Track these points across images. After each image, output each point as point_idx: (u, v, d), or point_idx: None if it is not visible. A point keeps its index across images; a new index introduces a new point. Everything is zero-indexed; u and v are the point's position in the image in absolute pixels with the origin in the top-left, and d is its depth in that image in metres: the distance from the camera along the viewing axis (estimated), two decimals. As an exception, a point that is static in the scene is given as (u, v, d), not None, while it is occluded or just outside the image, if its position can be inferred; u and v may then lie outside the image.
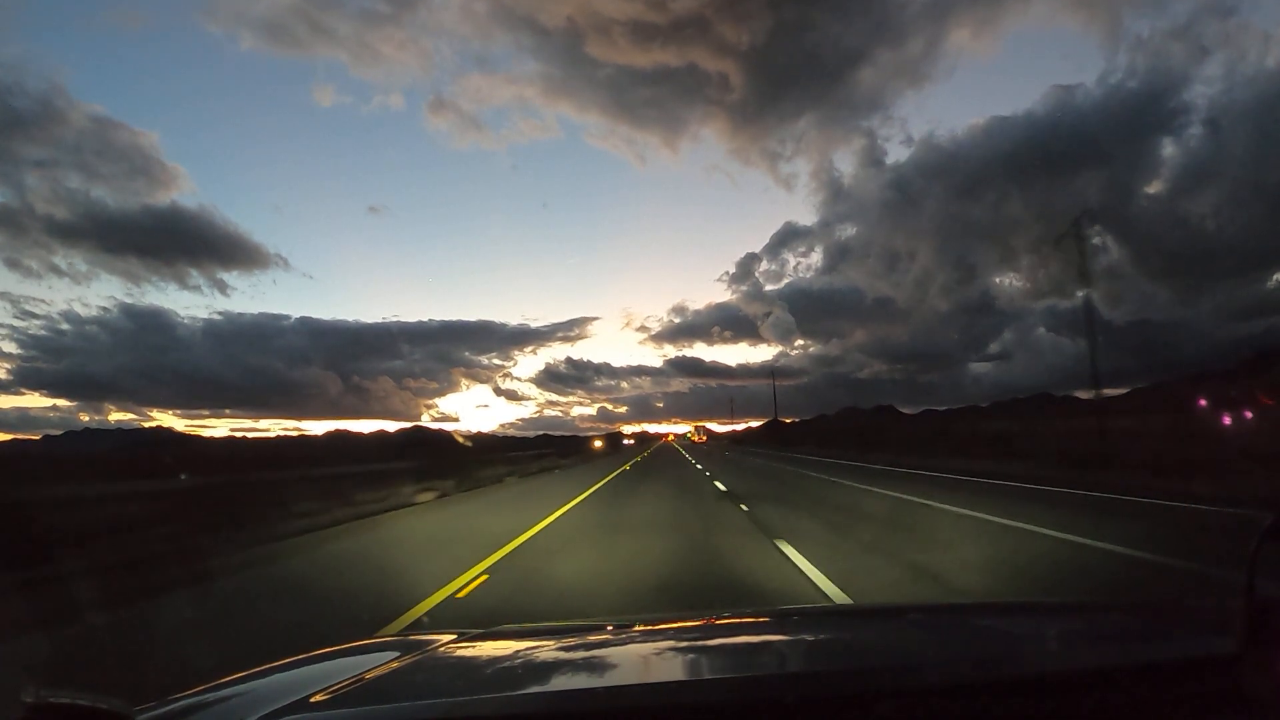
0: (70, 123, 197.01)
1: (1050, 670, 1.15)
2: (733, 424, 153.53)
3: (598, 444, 63.62)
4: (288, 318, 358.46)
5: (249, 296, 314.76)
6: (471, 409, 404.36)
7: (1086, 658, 1.23)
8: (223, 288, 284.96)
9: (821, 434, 64.44)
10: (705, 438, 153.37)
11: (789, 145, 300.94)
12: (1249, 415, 19.47)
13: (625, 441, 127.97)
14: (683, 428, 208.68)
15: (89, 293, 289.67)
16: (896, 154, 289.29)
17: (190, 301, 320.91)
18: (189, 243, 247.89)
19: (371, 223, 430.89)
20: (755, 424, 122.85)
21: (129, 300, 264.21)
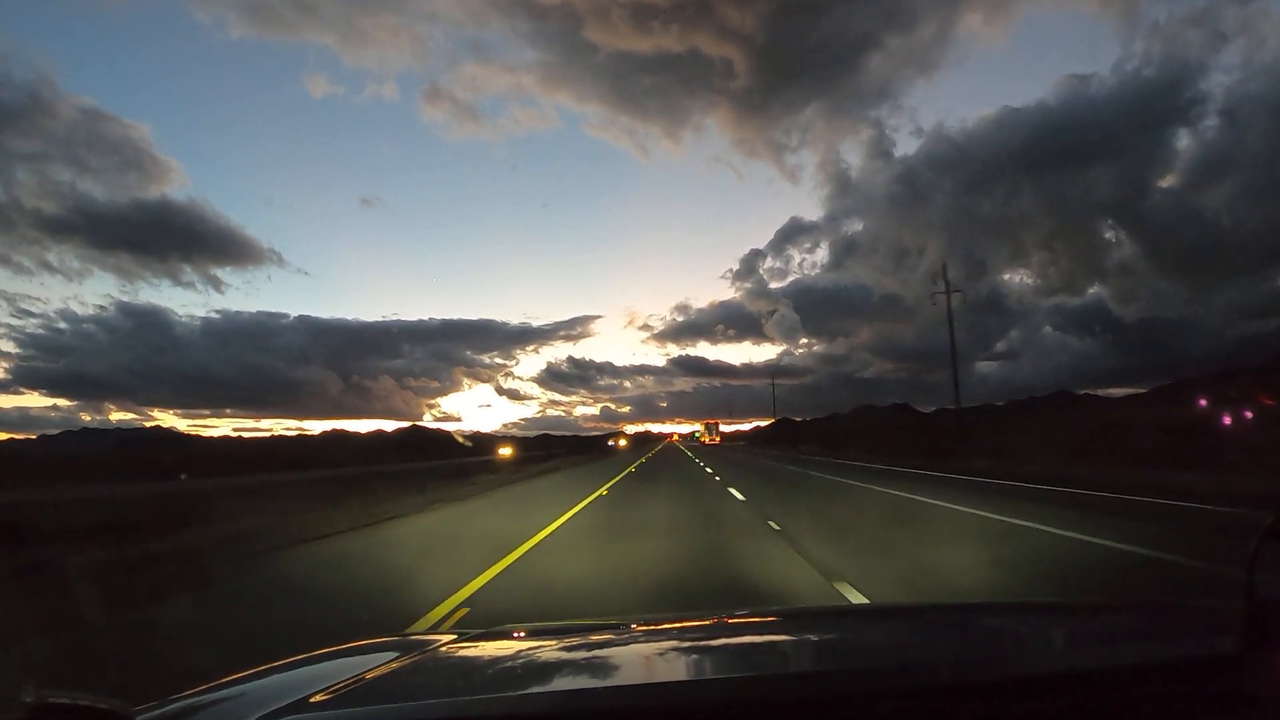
0: (59, 115, 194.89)
1: (1052, 670, 1.16)
2: (738, 424, 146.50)
3: (505, 451, 37.40)
4: (286, 316, 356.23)
5: (244, 294, 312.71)
6: (474, 408, 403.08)
7: (1087, 658, 1.23)
8: (217, 284, 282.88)
9: (844, 434, 55.05)
10: (719, 439, 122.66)
11: (795, 136, 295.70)
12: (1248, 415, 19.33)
13: (612, 443, 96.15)
14: (686, 427, 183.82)
15: (84, 290, 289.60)
16: (905, 146, 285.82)
17: (186, 299, 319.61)
18: (181, 238, 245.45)
19: (368, 219, 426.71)
20: (762, 423, 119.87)
21: (125, 298, 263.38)
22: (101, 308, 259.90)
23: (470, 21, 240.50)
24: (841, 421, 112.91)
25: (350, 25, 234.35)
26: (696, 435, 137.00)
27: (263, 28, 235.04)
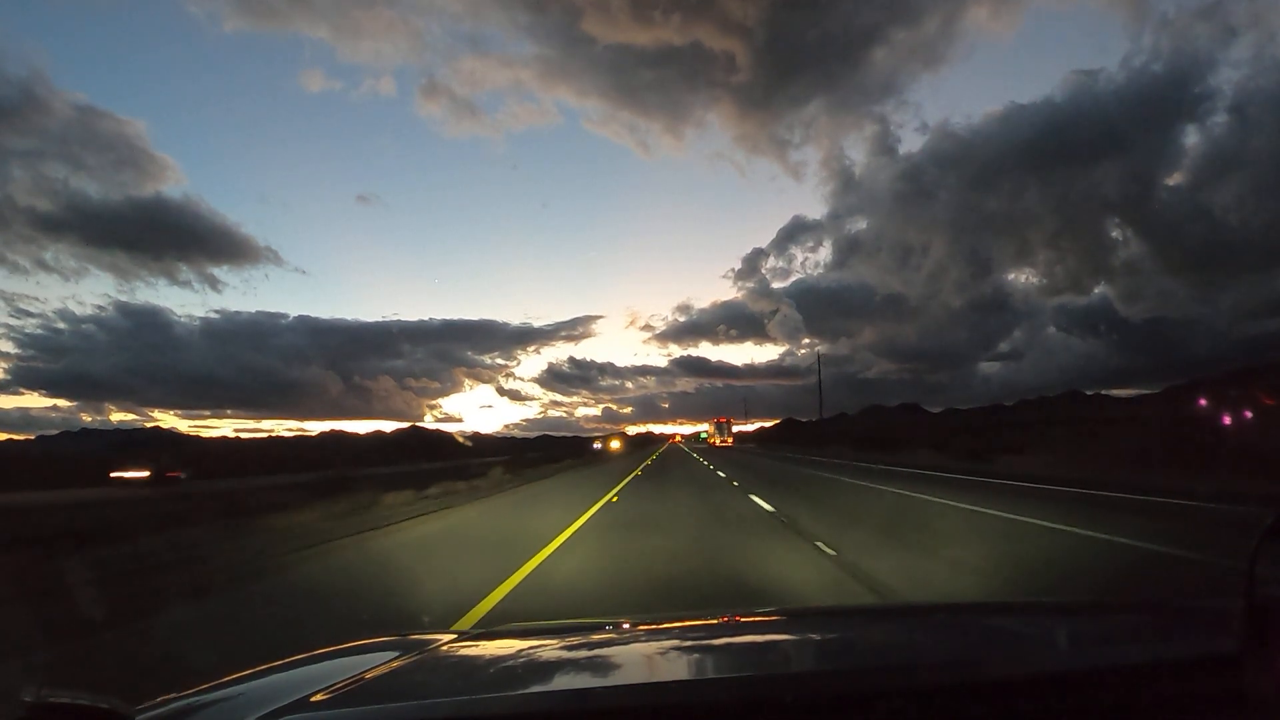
0: (53, 112, 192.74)
1: (1052, 670, 1.16)
2: (742, 424, 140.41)
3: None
4: (285, 316, 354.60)
5: (242, 293, 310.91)
6: (475, 409, 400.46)
7: (1087, 657, 1.23)
8: (214, 284, 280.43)
9: (860, 435, 52.03)
10: (731, 440, 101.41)
11: (798, 132, 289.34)
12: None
13: (599, 446, 66.12)
14: (689, 428, 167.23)
15: (81, 290, 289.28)
16: (910, 143, 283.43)
17: (184, 299, 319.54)
18: (177, 236, 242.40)
19: (367, 217, 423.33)
20: (766, 424, 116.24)
21: (123, 298, 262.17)
22: (100, 307, 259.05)
23: (467, 14, 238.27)
24: (848, 422, 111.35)
25: (345, 17, 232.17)
26: (703, 436, 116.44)
27: (256, 20, 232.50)
